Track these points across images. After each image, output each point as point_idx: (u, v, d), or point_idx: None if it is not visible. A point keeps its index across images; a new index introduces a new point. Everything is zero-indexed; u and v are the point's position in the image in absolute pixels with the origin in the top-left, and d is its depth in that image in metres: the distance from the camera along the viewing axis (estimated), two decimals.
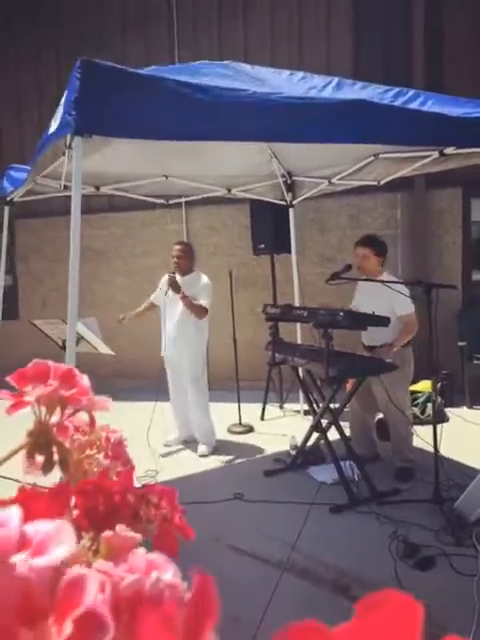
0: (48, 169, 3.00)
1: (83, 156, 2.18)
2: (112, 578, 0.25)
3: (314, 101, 2.52)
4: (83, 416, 0.54)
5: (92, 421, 0.48)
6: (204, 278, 4.26)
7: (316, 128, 2.45)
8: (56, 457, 0.47)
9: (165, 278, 4.29)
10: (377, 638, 0.20)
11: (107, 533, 0.33)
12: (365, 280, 3.69)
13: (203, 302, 4.15)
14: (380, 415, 4.16)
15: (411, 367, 3.74)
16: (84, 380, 0.44)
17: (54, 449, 0.46)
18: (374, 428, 4.10)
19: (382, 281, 3.61)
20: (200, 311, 4.16)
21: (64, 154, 2.42)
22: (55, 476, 0.52)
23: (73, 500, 0.47)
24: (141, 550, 0.32)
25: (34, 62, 7.05)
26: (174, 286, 4.10)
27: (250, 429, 4.90)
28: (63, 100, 2.08)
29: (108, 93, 2.01)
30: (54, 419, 0.44)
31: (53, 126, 2.21)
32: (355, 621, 0.21)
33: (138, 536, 0.34)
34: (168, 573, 0.29)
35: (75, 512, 0.47)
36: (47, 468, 0.46)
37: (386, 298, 3.59)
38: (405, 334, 3.64)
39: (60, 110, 2.11)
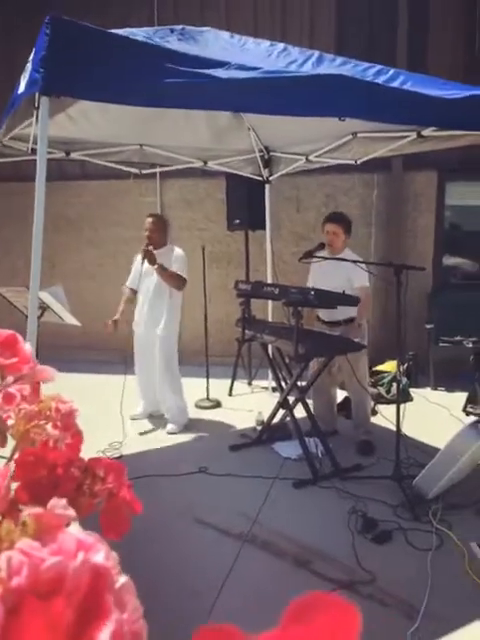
0: (15, 131, 2.88)
1: (52, 118, 2.10)
2: (32, 559, 0.24)
3: (292, 74, 2.47)
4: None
5: (35, 391, 0.46)
6: (178, 251, 4.18)
7: (293, 101, 2.40)
8: None
9: (139, 257, 4.17)
10: None
11: (35, 510, 0.32)
12: (333, 259, 3.70)
13: (180, 272, 4.06)
14: (343, 392, 4.23)
15: (366, 342, 3.80)
16: (27, 347, 0.41)
17: None
18: (335, 403, 4.17)
19: (354, 261, 3.62)
20: (177, 280, 4.05)
21: (32, 115, 2.32)
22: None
23: (12, 471, 0.45)
24: (74, 528, 0.30)
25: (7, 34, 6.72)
26: (150, 257, 3.99)
27: (218, 404, 4.92)
28: (31, 57, 1.98)
29: (78, 53, 1.92)
30: None
31: (22, 84, 2.11)
32: (283, 627, 0.20)
33: (71, 513, 0.32)
34: (99, 554, 0.28)
35: (15, 485, 0.45)
36: None
37: (344, 272, 3.65)
38: (364, 309, 3.71)
39: (28, 67, 2.01)
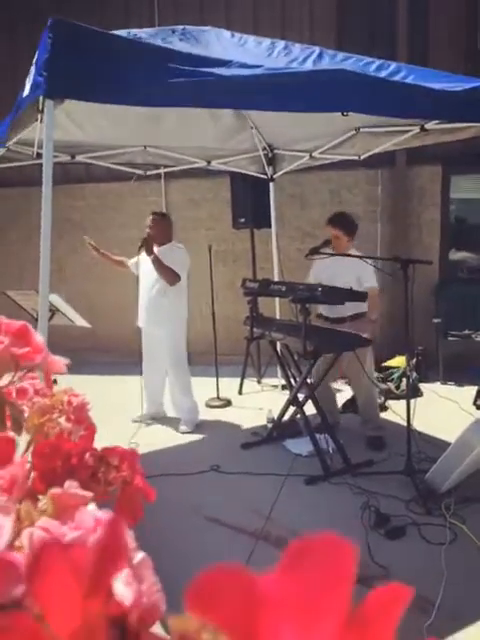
0: (20, 135, 2.91)
1: (57, 122, 2.12)
2: (52, 534, 0.24)
3: (295, 70, 2.47)
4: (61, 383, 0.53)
5: (48, 382, 0.47)
6: (179, 248, 4.17)
7: (296, 97, 2.41)
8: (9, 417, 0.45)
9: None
10: (307, 582, 0.20)
11: (54, 490, 0.32)
12: (340, 255, 3.69)
13: (176, 268, 4.02)
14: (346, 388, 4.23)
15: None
16: (39, 337, 0.42)
17: (7, 409, 0.45)
18: (336, 395, 4.18)
19: (360, 256, 3.62)
20: (170, 275, 3.99)
21: (37, 119, 2.34)
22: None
23: (29, 463, 0.46)
24: (91, 508, 0.31)
25: (9, 34, 6.77)
26: (147, 246, 3.96)
27: (228, 403, 4.93)
28: (35, 60, 2.00)
29: (81, 55, 1.93)
30: (7, 378, 0.42)
31: (27, 87, 2.12)
32: (284, 565, 0.21)
33: (88, 494, 0.33)
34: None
35: (32, 475, 0.46)
36: (0, 428, 0.45)
37: (353, 271, 3.63)
38: (374, 307, 3.71)
39: (32, 70, 2.02)
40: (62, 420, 0.53)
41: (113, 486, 0.47)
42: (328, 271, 3.78)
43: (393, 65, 2.87)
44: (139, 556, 0.29)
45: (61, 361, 0.45)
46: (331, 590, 0.20)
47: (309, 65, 2.66)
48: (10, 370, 0.42)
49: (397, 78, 2.71)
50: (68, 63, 1.92)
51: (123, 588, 0.26)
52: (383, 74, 2.71)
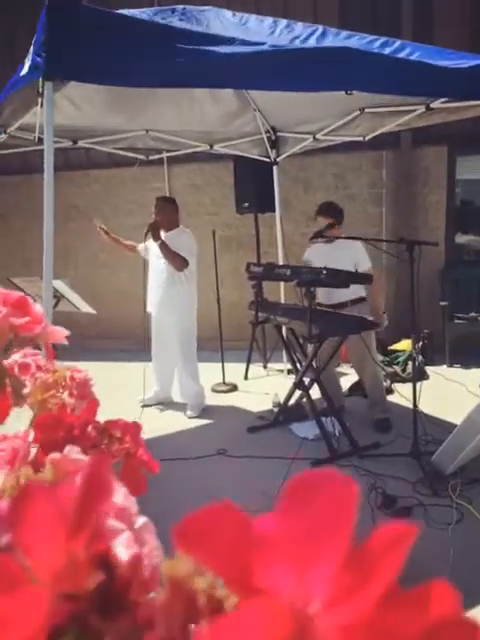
0: (21, 120, 2.88)
1: (57, 105, 2.09)
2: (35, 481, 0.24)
3: (298, 48, 2.43)
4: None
5: (49, 354, 0.46)
6: (187, 232, 4.15)
7: (300, 76, 2.37)
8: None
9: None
10: (305, 520, 0.19)
11: (54, 455, 0.32)
12: (344, 238, 3.66)
13: (183, 254, 4.02)
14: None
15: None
16: (38, 308, 0.41)
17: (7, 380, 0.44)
18: (338, 377, 4.19)
19: (369, 239, 3.59)
20: (178, 260, 3.99)
21: (37, 103, 2.31)
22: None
23: (32, 435, 0.46)
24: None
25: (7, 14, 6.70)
26: (154, 231, 3.95)
27: (234, 388, 4.94)
28: (34, 40, 1.97)
29: (81, 35, 1.90)
30: (6, 349, 0.42)
31: (26, 67, 2.09)
32: (281, 504, 0.20)
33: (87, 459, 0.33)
34: (118, 496, 0.28)
35: (35, 448, 0.46)
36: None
37: (348, 257, 3.63)
38: (378, 291, 3.73)
39: (31, 51, 1.99)
40: (65, 396, 0.53)
41: (116, 458, 0.46)
42: (323, 259, 3.72)
43: (397, 42, 2.82)
44: (141, 520, 0.29)
45: (61, 331, 0.44)
46: (331, 528, 0.19)
47: (312, 43, 2.61)
48: (9, 341, 0.41)
49: (402, 55, 2.66)
50: (67, 43, 1.89)
51: (123, 550, 0.25)
52: (387, 51, 2.67)
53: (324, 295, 3.81)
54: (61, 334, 0.44)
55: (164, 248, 3.96)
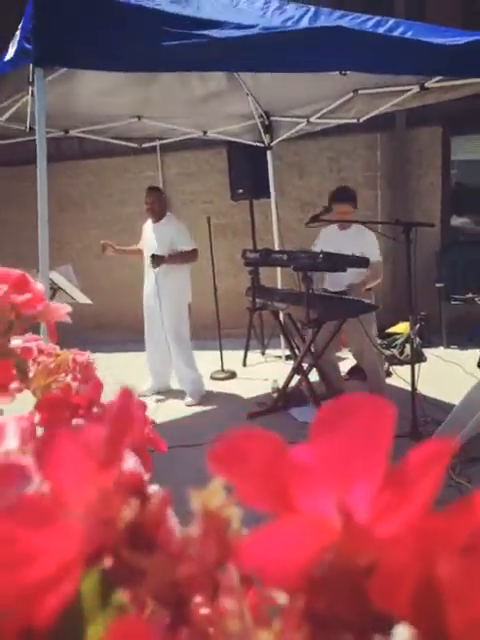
0: (12, 110, 2.85)
1: (47, 92, 2.06)
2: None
3: (291, 29, 2.40)
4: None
5: (52, 334, 0.46)
6: (178, 222, 4.18)
7: (293, 57, 2.34)
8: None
9: (147, 224, 4.21)
10: (341, 443, 0.19)
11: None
12: (341, 222, 3.65)
13: (186, 246, 4.06)
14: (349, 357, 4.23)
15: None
16: (39, 286, 0.41)
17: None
18: (338, 363, 4.18)
19: (365, 222, 3.58)
20: (190, 257, 4.08)
21: (27, 91, 2.28)
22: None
23: (37, 417, 0.45)
24: None
25: None
26: (156, 262, 4.01)
27: (233, 375, 4.94)
28: (20, 25, 1.93)
29: (70, 20, 1.87)
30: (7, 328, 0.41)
31: (10, 52, 2.05)
32: (315, 428, 0.20)
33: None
34: (128, 462, 0.28)
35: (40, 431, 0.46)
36: None
37: (357, 246, 3.59)
38: (373, 278, 3.68)
39: (17, 35, 1.96)
40: (68, 379, 0.52)
41: None
42: (334, 245, 3.70)
43: (391, 21, 2.79)
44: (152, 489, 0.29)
45: (63, 307, 0.43)
46: (368, 449, 0.19)
47: (305, 23, 2.58)
48: (10, 319, 0.40)
49: (396, 34, 2.63)
50: (56, 28, 1.86)
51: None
52: (381, 30, 2.64)
53: (331, 281, 3.79)
54: (63, 311, 0.44)
55: (173, 261, 4.02)
